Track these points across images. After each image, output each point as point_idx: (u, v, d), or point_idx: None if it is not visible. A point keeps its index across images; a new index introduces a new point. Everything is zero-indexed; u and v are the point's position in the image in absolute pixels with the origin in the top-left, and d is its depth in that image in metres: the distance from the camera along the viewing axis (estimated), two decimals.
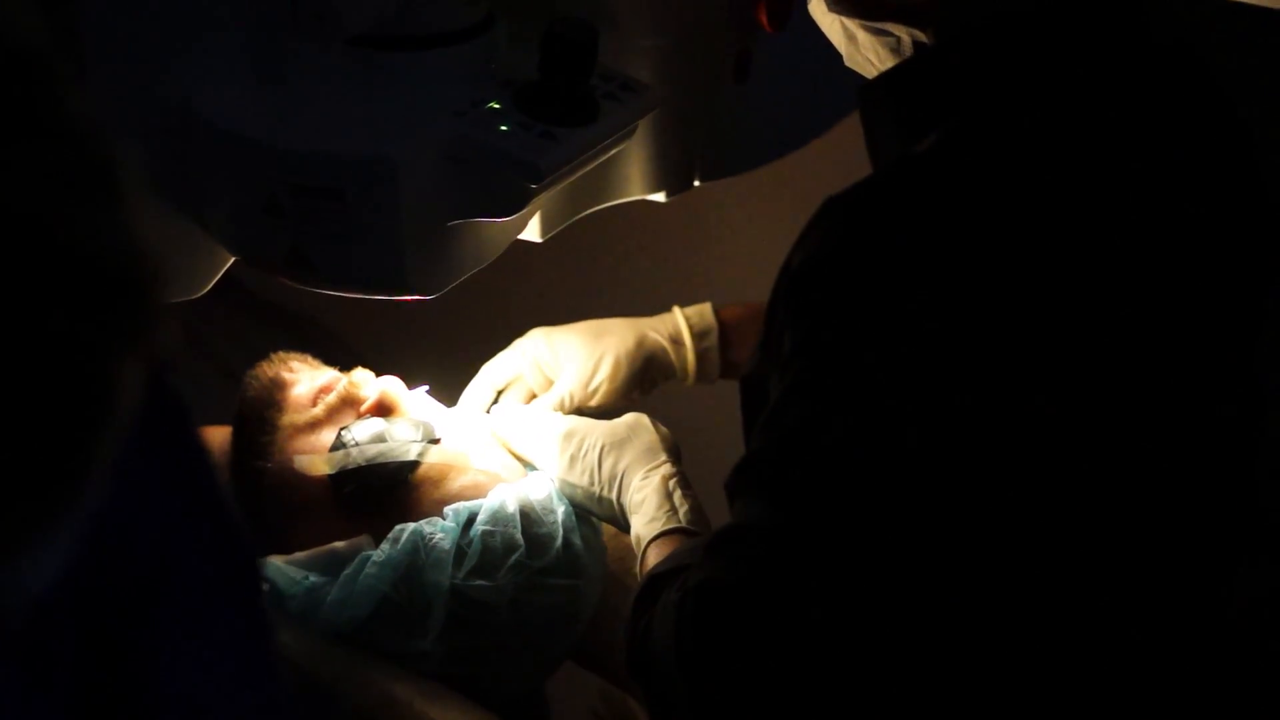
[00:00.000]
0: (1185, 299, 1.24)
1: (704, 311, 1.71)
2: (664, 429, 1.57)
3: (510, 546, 1.52)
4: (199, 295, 1.53)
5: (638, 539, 1.49)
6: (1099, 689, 1.25)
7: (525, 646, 1.55)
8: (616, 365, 1.66)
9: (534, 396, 1.68)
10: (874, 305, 1.18)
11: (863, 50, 1.33)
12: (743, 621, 1.18)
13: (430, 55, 1.37)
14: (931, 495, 1.17)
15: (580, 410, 1.67)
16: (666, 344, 1.69)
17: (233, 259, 1.50)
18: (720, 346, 1.69)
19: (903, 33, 1.29)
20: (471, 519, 1.53)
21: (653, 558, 1.44)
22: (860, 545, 1.17)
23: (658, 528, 1.47)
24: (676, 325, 1.70)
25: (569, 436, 1.57)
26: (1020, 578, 1.21)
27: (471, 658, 1.52)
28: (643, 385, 1.69)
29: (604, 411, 1.67)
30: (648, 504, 1.49)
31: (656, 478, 1.51)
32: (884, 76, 1.30)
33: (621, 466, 1.53)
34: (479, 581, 1.51)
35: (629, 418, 1.57)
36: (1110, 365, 1.20)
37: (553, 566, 1.53)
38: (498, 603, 1.51)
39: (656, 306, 1.75)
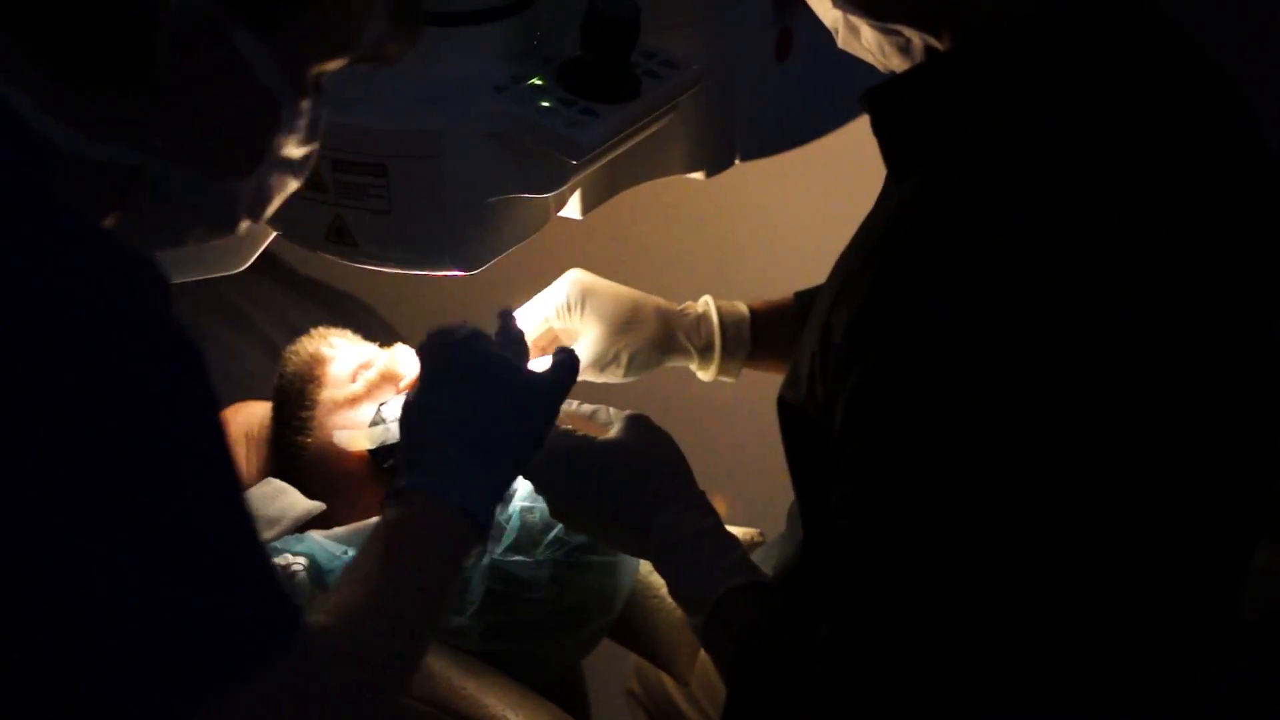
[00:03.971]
0: (1221, 287, 1.24)
1: (741, 324, 1.64)
2: (665, 435, 1.42)
3: (549, 523, 1.52)
4: (240, 271, 1.54)
5: (694, 594, 1.34)
6: (1124, 673, 1.26)
7: (563, 624, 1.55)
8: (632, 361, 1.62)
9: (554, 340, 1.63)
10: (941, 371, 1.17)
11: (864, 42, 1.32)
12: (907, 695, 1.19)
13: (472, 31, 1.37)
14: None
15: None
16: (694, 353, 1.64)
17: (274, 234, 1.50)
18: (751, 340, 1.65)
19: (913, 35, 1.28)
20: (510, 495, 1.53)
21: (736, 617, 1.31)
22: (981, 606, 1.19)
23: (724, 582, 1.32)
24: (711, 334, 1.64)
25: (575, 472, 1.39)
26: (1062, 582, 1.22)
27: (509, 634, 1.52)
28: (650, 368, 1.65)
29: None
30: (695, 551, 1.34)
31: (693, 515, 1.36)
32: (906, 79, 1.29)
33: (637, 494, 1.37)
34: (517, 558, 1.51)
35: (642, 437, 1.41)
36: (1153, 368, 1.20)
37: (591, 543, 1.53)
38: (536, 579, 1.51)
39: (695, 284, 1.74)
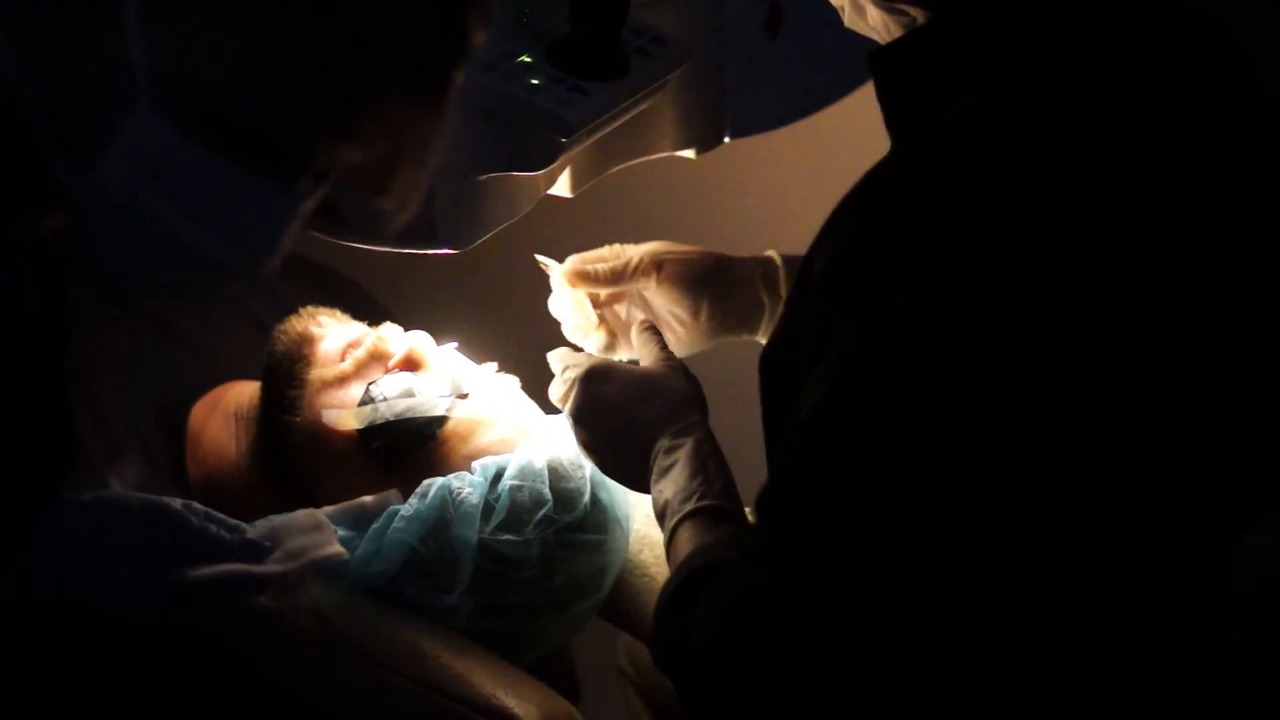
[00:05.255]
0: (1218, 257, 1.23)
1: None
2: (693, 376, 1.49)
3: (538, 502, 1.52)
4: None
5: (667, 510, 1.39)
6: (1111, 664, 1.25)
7: (553, 602, 1.55)
8: (679, 254, 1.61)
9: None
10: (924, 293, 1.16)
11: (870, 21, 1.32)
12: (791, 635, 1.17)
13: None
14: (983, 503, 1.16)
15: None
16: (751, 292, 1.62)
17: None
18: None
19: (918, 14, 1.27)
20: (499, 474, 1.53)
21: (685, 538, 1.35)
22: (917, 557, 1.16)
23: (690, 505, 1.37)
24: (775, 266, 1.62)
25: (597, 390, 1.48)
26: (1052, 565, 1.20)
27: (499, 613, 1.52)
28: (725, 319, 1.62)
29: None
30: (678, 472, 1.40)
31: (690, 442, 1.42)
32: (907, 41, 1.28)
33: (647, 418, 1.45)
34: (506, 536, 1.51)
35: (659, 364, 1.49)
36: (1152, 344, 1.19)
37: (580, 522, 1.53)
38: (525, 558, 1.51)
39: None
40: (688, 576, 1.28)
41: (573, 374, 1.49)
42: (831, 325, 1.20)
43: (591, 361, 1.49)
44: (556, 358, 1.54)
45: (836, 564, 1.16)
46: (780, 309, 1.60)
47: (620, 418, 1.46)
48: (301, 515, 1.49)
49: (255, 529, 1.44)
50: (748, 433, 1.63)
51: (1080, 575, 1.21)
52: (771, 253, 1.63)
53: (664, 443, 1.42)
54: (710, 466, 1.39)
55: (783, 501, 1.20)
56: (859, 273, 1.19)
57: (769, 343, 1.37)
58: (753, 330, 1.63)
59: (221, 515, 1.42)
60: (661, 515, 1.39)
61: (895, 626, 1.17)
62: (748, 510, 1.35)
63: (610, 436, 1.47)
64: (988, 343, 1.15)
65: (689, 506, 1.36)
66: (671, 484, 1.39)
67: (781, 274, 1.62)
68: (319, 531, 1.47)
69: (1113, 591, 1.23)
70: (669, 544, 1.36)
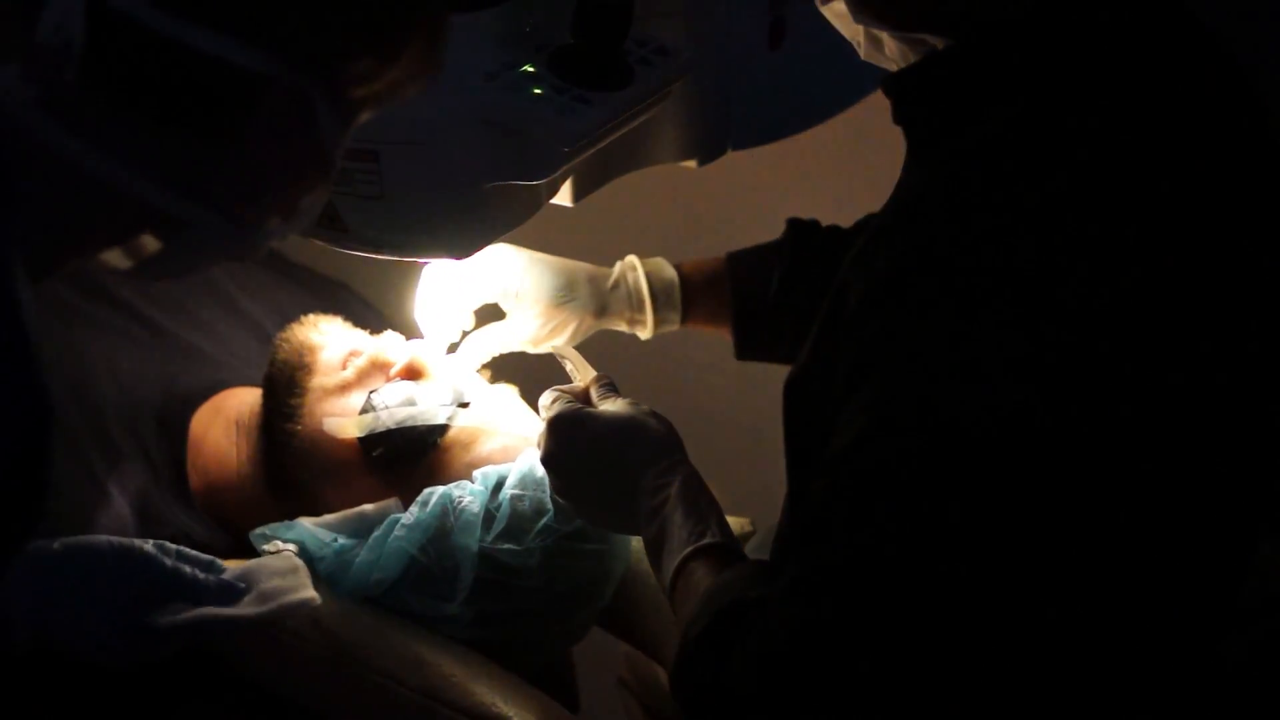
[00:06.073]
0: (1237, 276, 1.23)
1: (670, 289, 1.70)
2: (664, 419, 1.48)
3: (539, 510, 1.52)
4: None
5: (665, 545, 1.37)
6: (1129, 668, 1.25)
7: (553, 611, 1.55)
8: (572, 334, 1.69)
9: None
10: (966, 323, 1.16)
11: (888, 52, 1.32)
12: (842, 668, 1.16)
13: (465, 18, 1.37)
14: (1024, 530, 1.15)
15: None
16: (624, 320, 1.71)
17: None
18: (682, 306, 1.71)
19: (937, 42, 1.27)
20: (500, 483, 1.53)
21: (699, 574, 1.33)
22: (965, 585, 1.16)
23: (694, 542, 1.35)
24: (642, 301, 1.70)
25: (571, 439, 1.46)
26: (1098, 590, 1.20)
27: (499, 622, 1.52)
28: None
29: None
30: (672, 509, 1.38)
31: (678, 479, 1.40)
32: (924, 65, 1.28)
33: (632, 458, 1.42)
34: (507, 545, 1.51)
35: (632, 408, 1.48)
36: (1160, 349, 1.19)
37: (581, 531, 1.53)
38: (526, 567, 1.51)
39: None
40: (716, 615, 1.27)
41: (544, 417, 1.49)
42: (872, 354, 1.20)
43: (560, 408, 1.47)
44: (542, 404, 1.53)
45: (885, 594, 1.16)
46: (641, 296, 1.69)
47: (602, 460, 1.44)
48: (277, 558, 1.49)
49: (230, 570, 1.44)
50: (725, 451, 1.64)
51: (1111, 594, 1.21)
52: (635, 269, 1.71)
53: (651, 481, 1.40)
54: (703, 503, 1.38)
55: (824, 533, 1.19)
56: (902, 302, 1.19)
57: (794, 367, 1.37)
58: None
59: (194, 554, 1.43)
60: (657, 550, 1.37)
61: (943, 654, 1.17)
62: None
63: (590, 479, 1.45)
64: (1038, 372, 1.15)
65: (693, 545, 1.35)
66: (669, 520, 1.37)
67: (646, 296, 1.69)
68: (294, 574, 1.47)
69: (1137, 608, 1.23)
70: (675, 580, 1.34)
